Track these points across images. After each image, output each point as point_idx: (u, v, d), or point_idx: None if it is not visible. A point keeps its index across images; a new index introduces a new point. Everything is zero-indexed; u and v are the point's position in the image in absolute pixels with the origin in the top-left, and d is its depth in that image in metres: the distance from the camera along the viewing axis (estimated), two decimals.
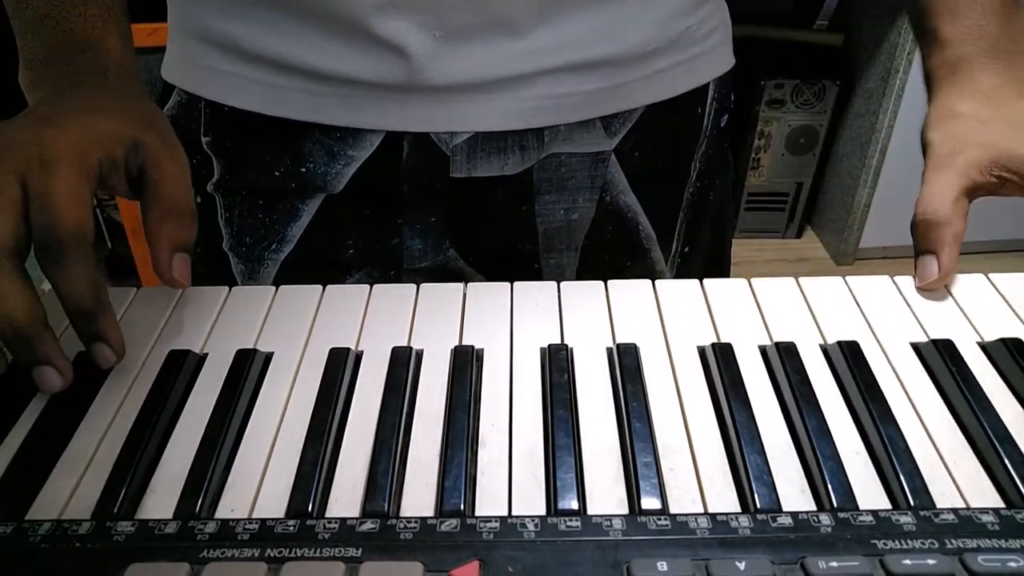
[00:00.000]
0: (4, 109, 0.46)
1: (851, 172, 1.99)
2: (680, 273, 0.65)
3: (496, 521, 0.31)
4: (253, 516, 0.32)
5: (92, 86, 0.45)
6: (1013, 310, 0.43)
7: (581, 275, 0.60)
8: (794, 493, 0.33)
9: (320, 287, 0.46)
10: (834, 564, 0.29)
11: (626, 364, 0.39)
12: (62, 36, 0.47)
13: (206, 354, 0.41)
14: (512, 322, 0.43)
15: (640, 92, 0.55)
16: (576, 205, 0.57)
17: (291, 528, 0.31)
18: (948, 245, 0.44)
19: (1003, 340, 0.40)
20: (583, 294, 0.45)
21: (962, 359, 0.39)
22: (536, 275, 0.60)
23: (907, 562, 0.29)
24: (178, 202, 0.42)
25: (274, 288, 0.46)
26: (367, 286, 0.46)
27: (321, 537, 0.31)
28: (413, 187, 0.54)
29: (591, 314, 0.43)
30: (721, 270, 0.70)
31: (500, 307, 0.44)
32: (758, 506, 0.32)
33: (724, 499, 0.33)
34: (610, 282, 0.46)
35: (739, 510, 0.32)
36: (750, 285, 0.45)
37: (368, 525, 0.31)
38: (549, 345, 0.41)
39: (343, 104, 0.51)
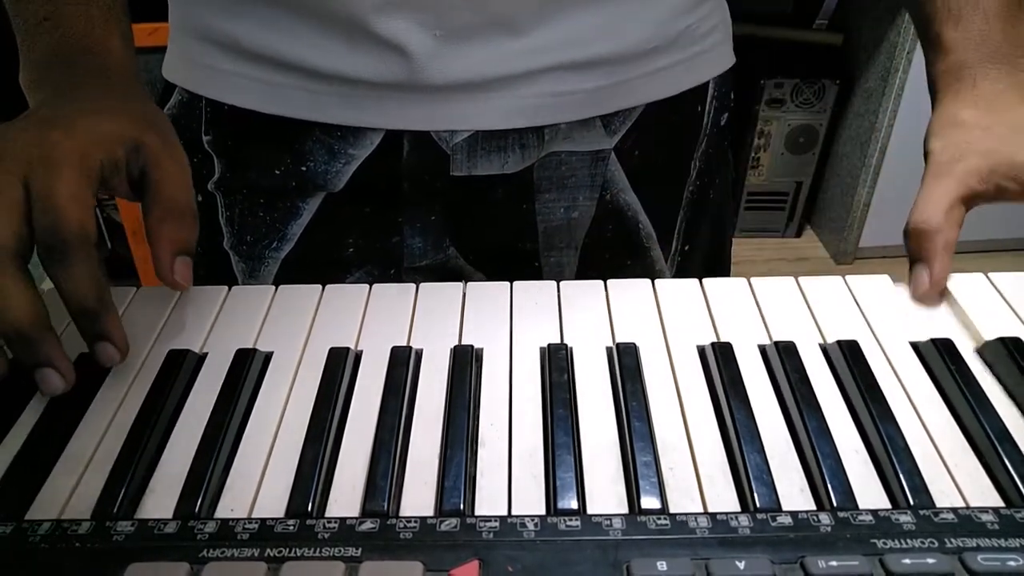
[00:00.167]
0: (4, 109, 0.46)
1: (851, 171, 1.99)
2: (680, 272, 0.65)
3: (496, 521, 0.31)
4: (253, 516, 0.32)
5: (93, 87, 0.45)
6: (1013, 309, 0.43)
7: (581, 274, 0.61)
8: (794, 492, 0.33)
9: (319, 287, 0.46)
10: (834, 563, 0.29)
11: (626, 363, 0.39)
12: (63, 37, 0.47)
13: (206, 354, 0.41)
14: (512, 322, 0.43)
15: (640, 90, 0.55)
16: (576, 204, 0.57)
17: (291, 528, 0.31)
18: (939, 255, 0.44)
19: (1002, 339, 0.40)
20: (583, 293, 0.45)
21: (962, 358, 0.39)
22: (536, 273, 0.60)
23: (907, 561, 0.29)
24: (179, 203, 0.42)
25: (274, 288, 0.46)
26: (366, 286, 0.46)
27: (321, 537, 0.31)
28: (413, 186, 0.54)
29: (591, 313, 0.43)
30: (721, 269, 0.70)
31: (500, 307, 0.44)
32: (758, 505, 0.32)
33: (724, 498, 0.33)
34: (610, 281, 0.46)
35: (739, 509, 0.32)
36: (750, 284, 0.45)
37: (368, 525, 0.31)
38: (549, 344, 0.41)
39: (343, 103, 0.51)
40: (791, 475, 0.34)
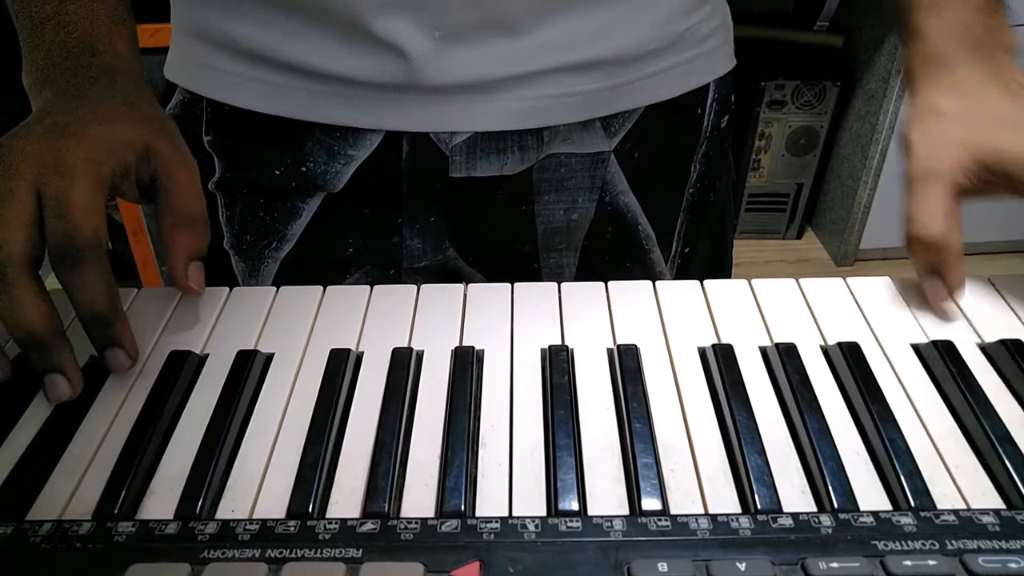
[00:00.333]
0: (4, 109, 0.46)
1: (851, 173, 1.99)
2: (680, 274, 0.65)
3: (497, 522, 0.31)
4: (253, 517, 0.32)
5: (99, 89, 0.45)
6: (1014, 311, 0.43)
7: (581, 275, 0.60)
8: (794, 494, 0.33)
9: (320, 288, 0.46)
10: (835, 565, 0.29)
11: (626, 365, 0.39)
12: (68, 38, 0.47)
13: (207, 355, 0.41)
14: (512, 323, 0.43)
15: (640, 92, 0.55)
16: (576, 205, 0.57)
17: (291, 529, 0.31)
18: (952, 264, 0.43)
19: (1003, 341, 0.40)
20: (583, 295, 0.45)
21: (963, 360, 0.39)
22: (535, 275, 0.60)
23: (908, 563, 0.29)
24: (191, 210, 0.43)
25: (275, 289, 0.46)
26: (367, 287, 0.46)
27: (321, 538, 0.31)
28: (413, 186, 0.54)
29: (592, 315, 0.43)
30: (722, 271, 0.70)
31: (501, 308, 0.44)
32: (758, 507, 0.32)
33: (724, 500, 0.33)
34: (610, 283, 0.46)
35: (740, 511, 0.32)
36: (750, 286, 0.45)
37: (369, 526, 0.31)
38: (549, 346, 0.41)
39: (343, 104, 0.51)
40: (792, 477, 0.34)
